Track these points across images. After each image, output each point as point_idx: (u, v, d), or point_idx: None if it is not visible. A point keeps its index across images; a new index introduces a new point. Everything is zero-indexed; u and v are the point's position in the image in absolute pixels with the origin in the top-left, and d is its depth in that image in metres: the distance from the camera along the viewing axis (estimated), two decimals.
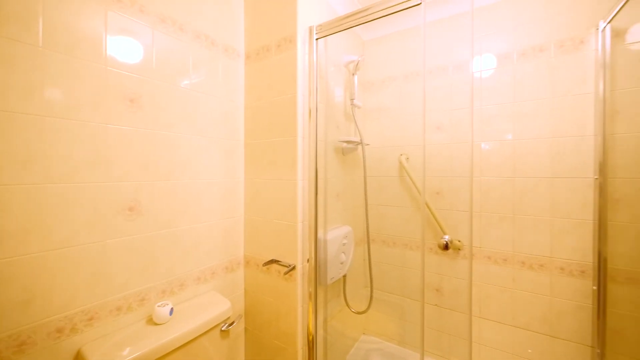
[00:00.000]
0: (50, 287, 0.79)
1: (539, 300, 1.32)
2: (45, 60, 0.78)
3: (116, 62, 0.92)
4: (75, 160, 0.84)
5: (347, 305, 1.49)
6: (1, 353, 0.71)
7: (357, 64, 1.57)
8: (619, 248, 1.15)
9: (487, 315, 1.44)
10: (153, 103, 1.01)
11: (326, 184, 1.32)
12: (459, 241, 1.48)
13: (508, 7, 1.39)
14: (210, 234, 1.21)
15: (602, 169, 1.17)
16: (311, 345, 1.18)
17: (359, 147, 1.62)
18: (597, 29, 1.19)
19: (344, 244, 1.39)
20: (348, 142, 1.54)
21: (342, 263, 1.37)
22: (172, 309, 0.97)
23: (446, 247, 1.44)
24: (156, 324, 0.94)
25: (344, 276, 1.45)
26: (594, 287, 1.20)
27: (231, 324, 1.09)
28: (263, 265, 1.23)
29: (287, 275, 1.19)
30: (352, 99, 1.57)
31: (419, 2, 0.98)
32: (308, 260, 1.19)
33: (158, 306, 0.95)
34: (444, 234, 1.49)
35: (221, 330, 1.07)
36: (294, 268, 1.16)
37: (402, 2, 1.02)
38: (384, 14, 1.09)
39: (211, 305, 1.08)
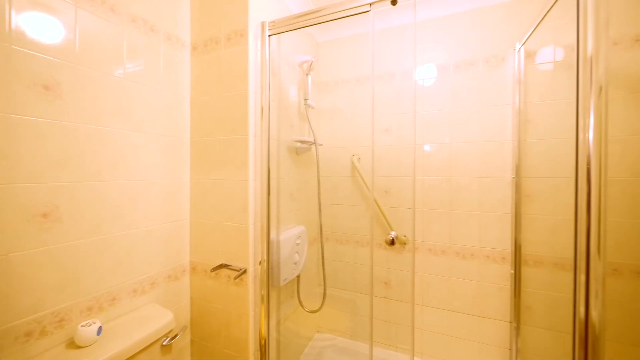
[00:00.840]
0: None
1: (469, 285, 1.49)
2: None
3: (25, 40, 0.77)
4: None
5: (301, 305, 1.49)
6: None
7: (310, 65, 1.58)
8: (530, 236, 1.35)
9: (428, 302, 1.57)
10: (76, 92, 0.88)
11: (279, 184, 1.30)
12: (405, 236, 1.59)
13: (445, 23, 1.54)
14: (149, 240, 1.10)
15: (518, 169, 1.37)
16: (263, 350, 1.15)
17: (313, 147, 1.64)
18: (514, 49, 1.39)
19: (297, 244, 1.38)
20: (302, 141, 1.54)
21: (295, 263, 1.36)
22: (100, 327, 0.85)
23: (392, 242, 1.54)
24: (79, 347, 0.82)
25: (298, 276, 1.45)
26: (512, 271, 1.39)
27: (174, 338, 1.01)
28: (211, 271, 1.16)
29: (237, 280, 1.14)
30: (305, 99, 1.58)
31: (367, 9, 1.02)
32: (260, 262, 1.16)
33: (82, 326, 0.83)
34: (392, 230, 1.59)
35: (162, 346, 0.97)
36: (245, 272, 1.12)
37: (353, 8, 1.05)
38: (336, 17, 1.12)
39: (150, 319, 0.98)
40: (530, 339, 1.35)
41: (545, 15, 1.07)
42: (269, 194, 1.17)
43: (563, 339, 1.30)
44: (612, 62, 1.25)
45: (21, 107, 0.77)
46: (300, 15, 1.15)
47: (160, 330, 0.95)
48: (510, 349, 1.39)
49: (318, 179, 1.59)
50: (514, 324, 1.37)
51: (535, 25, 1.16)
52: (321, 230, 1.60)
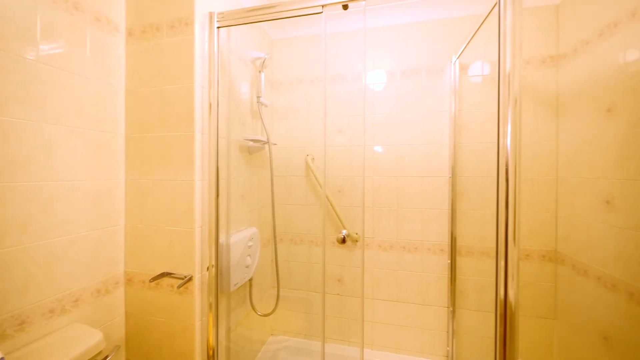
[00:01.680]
0: None
1: (414, 277, 1.61)
2: None
3: None
4: None
5: (254, 309, 1.45)
6: None
7: (264, 61, 1.54)
8: (462, 229, 1.52)
9: (378, 296, 1.66)
10: None
11: (229, 184, 1.24)
12: (357, 234, 1.65)
13: (394, 33, 1.64)
14: (72, 250, 0.95)
15: (453, 169, 1.53)
16: None
17: (266, 146, 1.60)
18: (451, 62, 1.54)
19: (249, 247, 1.34)
20: (254, 140, 1.49)
21: (247, 267, 1.32)
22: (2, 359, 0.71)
23: (343, 240, 1.59)
24: None
25: (250, 280, 1.40)
26: (449, 261, 1.55)
27: None
28: (151, 281, 1.05)
29: (182, 289, 1.05)
30: (258, 97, 1.53)
31: (320, 11, 1.03)
32: (208, 268, 1.09)
33: None
34: (344, 228, 1.64)
35: None
36: (190, 279, 1.04)
37: (306, 7, 1.06)
38: (289, 16, 1.11)
39: (72, 342, 0.85)
40: (464, 320, 1.52)
41: (475, 34, 1.22)
42: (217, 195, 1.11)
43: (488, 318, 1.50)
44: (525, 79, 1.47)
45: None
46: (252, 10, 1.11)
47: (86, 353, 0.83)
48: (448, 332, 1.55)
49: (271, 178, 1.56)
50: (451, 309, 1.53)
51: (467, 42, 1.31)
52: (275, 231, 1.58)
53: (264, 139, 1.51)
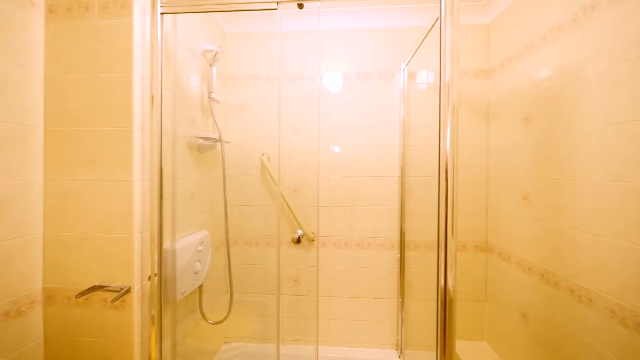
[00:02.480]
0: None
1: (367, 272, 1.68)
2: None
3: None
4: None
5: (204, 317, 1.36)
6: None
7: (215, 55, 1.45)
8: (410, 225, 1.63)
9: (334, 293, 1.70)
10: None
11: (175, 185, 1.14)
12: (313, 233, 1.66)
13: (349, 36, 1.69)
14: None
15: (402, 169, 1.64)
16: None
17: (218, 144, 1.52)
18: (401, 69, 1.64)
19: (199, 251, 1.25)
20: (205, 138, 1.40)
21: (197, 273, 1.23)
22: None
23: (298, 240, 1.59)
24: None
25: (200, 286, 1.31)
26: (398, 255, 1.65)
27: None
28: (78, 297, 0.92)
29: (118, 302, 0.94)
30: (210, 92, 1.44)
31: (275, 7, 1.01)
32: (150, 277, 0.99)
33: None
34: (300, 228, 1.63)
35: None
36: (128, 291, 0.93)
37: (260, 2, 1.03)
38: (242, 9, 1.07)
39: None
40: (411, 310, 1.64)
41: (420, 44, 1.32)
42: (161, 196, 1.01)
43: (431, 306, 1.64)
44: (462, 89, 1.64)
45: None
46: None
47: None
48: (397, 322, 1.65)
49: (224, 178, 1.48)
50: (400, 300, 1.64)
51: (414, 51, 1.41)
52: (227, 234, 1.50)
53: (216, 136, 1.43)
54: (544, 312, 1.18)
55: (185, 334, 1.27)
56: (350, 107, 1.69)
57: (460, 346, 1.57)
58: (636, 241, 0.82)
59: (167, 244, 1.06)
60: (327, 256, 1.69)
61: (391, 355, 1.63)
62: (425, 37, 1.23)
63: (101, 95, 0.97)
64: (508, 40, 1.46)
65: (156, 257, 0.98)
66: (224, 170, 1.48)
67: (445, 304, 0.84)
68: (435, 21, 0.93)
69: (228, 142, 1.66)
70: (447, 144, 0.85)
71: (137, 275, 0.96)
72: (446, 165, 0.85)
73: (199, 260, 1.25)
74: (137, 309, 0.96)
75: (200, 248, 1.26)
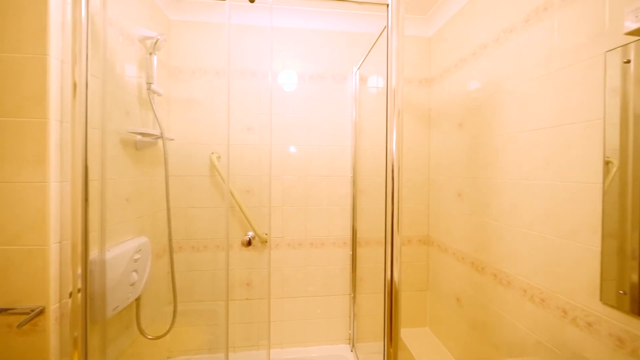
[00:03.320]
0: None
1: (321, 271, 1.71)
2: None
3: None
4: None
5: (142, 333, 1.22)
6: None
7: (156, 43, 1.32)
8: (361, 223, 1.70)
9: (288, 294, 1.68)
10: None
11: (105, 186, 1.01)
12: (266, 234, 1.62)
13: (303, 36, 1.69)
14: None
15: (354, 169, 1.70)
16: None
17: (160, 141, 1.38)
18: (353, 72, 1.70)
19: (136, 260, 1.12)
20: (143, 134, 1.27)
21: (133, 284, 1.10)
22: None
23: (249, 243, 1.54)
24: None
25: (138, 299, 1.18)
26: (350, 252, 1.71)
27: None
28: None
29: (27, 327, 0.79)
30: (149, 83, 1.30)
31: None
32: (71, 294, 0.85)
33: None
34: (252, 230, 1.58)
35: None
36: (42, 312, 0.79)
37: None
38: None
39: None
40: (362, 304, 1.71)
41: (370, 50, 1.38)
42: (86, 200, 0.88)
43: (380, 298, 1.74)
44: (407, 95, 1.77)
45: None
46: None
47: None
48: (350, 316, 1.71)
49: (167, 179, 1.35)
50: (352, 295, 1.70)
51: (365, 56, 1.47)
52: (170, 239, 1.38)
53: (157, 132, 1.30)
54: (474, 296, 1.34)
55: (119, 354, 1.13)
56: (304, 107, 1.69)
57: (405, 333, 1.69)
58: (541, 230, 0.98)
59: (94, 254, 0.92)
60: (281, 257, 1.67)
61: (344, 350, 1.68)
62: (374, 44, 1.30)
63: (5, 80, 0.81)
64: (446, 53, 1.62)
65: (79, 270, 0.85)
66: (166, 169, 1.36)
67: (391, 295, 0.89)
68: (383, 29, 0.98)
69: (172, 140, 1.53)
70: (394, 146, 0.90)
71: (53, 293, 0.82)
72: (392, 166, 0.91)
73: (135, 270, 1.12)
74: (54, 332, 0.82)
75: (137, 256, 1.13)
